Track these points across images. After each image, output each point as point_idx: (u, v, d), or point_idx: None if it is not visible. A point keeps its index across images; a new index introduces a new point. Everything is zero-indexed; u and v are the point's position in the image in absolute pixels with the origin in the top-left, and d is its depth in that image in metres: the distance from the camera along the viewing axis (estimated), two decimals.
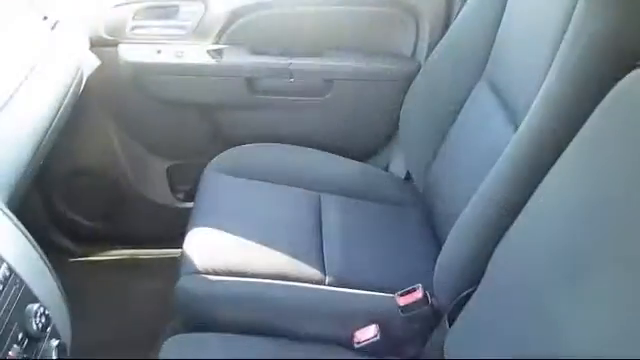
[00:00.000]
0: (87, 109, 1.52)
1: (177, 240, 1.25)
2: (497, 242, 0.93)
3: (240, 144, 1.52)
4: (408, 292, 1.09)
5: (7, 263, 0.83)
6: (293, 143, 1.54)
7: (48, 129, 1.22)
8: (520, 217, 0.89)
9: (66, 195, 1.69)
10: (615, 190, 0.70)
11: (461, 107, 1.31)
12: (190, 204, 1.41)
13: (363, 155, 1.62)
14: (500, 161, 0.98)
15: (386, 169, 1.63)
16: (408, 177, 1.55)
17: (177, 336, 1.05)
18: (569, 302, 0.71)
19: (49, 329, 0.86)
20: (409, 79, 1.48)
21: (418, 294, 1.08)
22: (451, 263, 1.03)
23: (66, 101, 1.32)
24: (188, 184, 1.68)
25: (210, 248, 1.19)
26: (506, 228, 0.92)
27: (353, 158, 1.54)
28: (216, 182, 1.40)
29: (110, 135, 1.62)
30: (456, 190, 1.19)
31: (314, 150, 1.53)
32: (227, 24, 1.50)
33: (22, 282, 0.85)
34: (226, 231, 1.23)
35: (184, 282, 1.13)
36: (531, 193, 0.88)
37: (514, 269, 0.88)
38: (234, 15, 1.49)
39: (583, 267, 0.70)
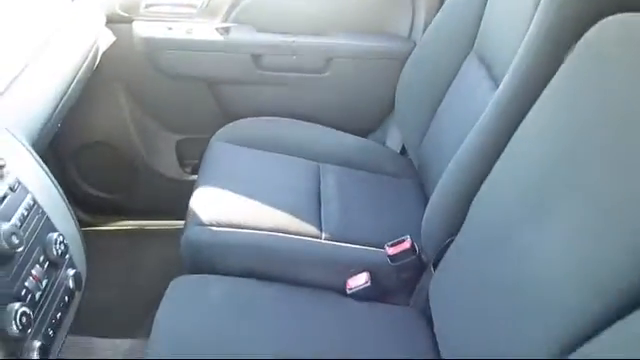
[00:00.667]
0: (102, 83, 1.62)
1: (184, 212, 1.30)
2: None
3: (245, 118, 1.61)
4: (397, 243, 1.18)
5: (31, 194, 0.92)
6: (295, 118, 1.63)
7: (64, 95, 1.30)
8: (494, 167, 0.97)
9: (79, 167, 1.78)
10: (579, 133, 0.78)
11: (452, 81, 1.39)
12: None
13: (361, 131, 1.70)
14: (481, 119, 1.06)
15: (383, 144, 1.71)
16: (404, 151, 1.64)
17: (182, 277, 1.13)
18: (534, 235, 0.79)
19: (67, 257, 0.95)
20: (406, 58, 1.57)
21: (406, 244, 1.17)
22: (436, 214, 1.11)
23: (81, 71, 1.41)
24: (195, 158, 1.76)
25: (215, 204, 1.27)
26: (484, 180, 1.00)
27: (352, 134, 1.63)
28: (221, 150, 1.48)
29: (123, 109, 1.71)
30: (445, 158, 1.26)
31: (315, 124, 1.62)
32: (234, 4, 1.60)
33: (44, 213, 0.94)
34: (230, 191, 1.31)
35: (190, 233, 1.21)
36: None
37: (488, 213, 0.96)
38: None
39: (548, 204, 0.78)
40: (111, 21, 1.57)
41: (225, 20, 1.61)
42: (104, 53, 1.57)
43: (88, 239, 1.15)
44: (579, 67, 0.84)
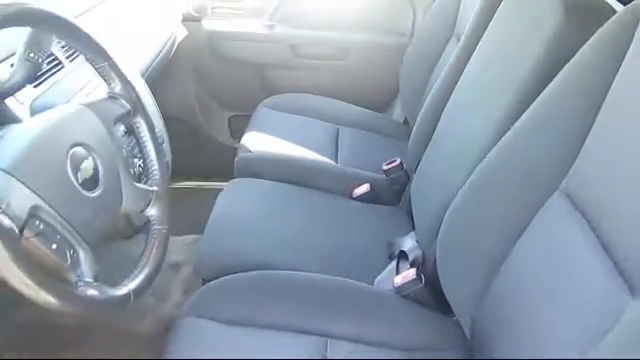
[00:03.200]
0: (176, 68, 2.13)
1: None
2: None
3: None
4: (391, 162, 1.63)
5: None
6: (322, 95, 2.10)
7: (146, 70, 1.76)
8: (451, 96, 1.41)
9: None
10: (485, 63, 1.24)
11: (438, 60, 1.84)
12: None
13: (372, 107, 2.15)
14: (446, 66, 1.51)
15: None
16: (406, 122, 2.08)
17: (234, 180, 1.59)
18: (467, 119, 1.24)
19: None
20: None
21: (396, 162, 1.62)
22: (416, 139, 1.55)
23: (160, 56, 1.90)
24: (242, 132, 2.24)
25: (259, 141, 1.75)
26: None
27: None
28: (265, 113, 1.96)
29: (190, 89, 2.22)
30: None
31: (337, 100, 2.08)
32: (278, 7, 2.13)
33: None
34: (270, 135, 1.79)
35: (241, 156, 1.68)
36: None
37: (446, 124, 1.40)
38: (282, 0, 2.12)
39: (473, 101, 1.24)
40: (186, 20, 2.10)
41: (270, 19, 2.14)
42: (179, 44, 2.09)
43: None
44: (495, 28, 1.31)
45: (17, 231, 0.68)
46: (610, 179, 0.81)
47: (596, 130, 0.86)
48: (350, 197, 1.60)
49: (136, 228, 1.21)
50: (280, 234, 1.37)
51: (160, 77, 1.95)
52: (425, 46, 1.92)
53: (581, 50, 0.90)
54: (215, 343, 1.07)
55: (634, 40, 0.80)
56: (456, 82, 1.41)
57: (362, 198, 1.59)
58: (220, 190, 2.18)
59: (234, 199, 1.51)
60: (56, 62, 1.24)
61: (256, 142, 1.75)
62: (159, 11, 1.97)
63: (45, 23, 0.84)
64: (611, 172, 0.81)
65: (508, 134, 1.02)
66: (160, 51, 1.90)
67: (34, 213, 0.72)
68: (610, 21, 0.86)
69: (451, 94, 1.42)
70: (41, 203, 0.73)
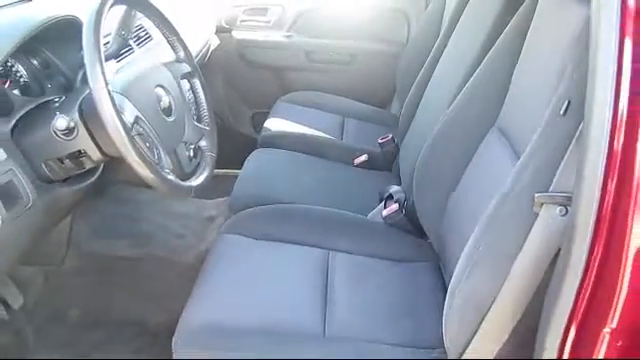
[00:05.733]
0: (208, 71, 2.53)
1: None
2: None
3: None
4: (384, 137, 2.01)
5: None
6: (332, 94, 2.50)
7: None
8: (432, 75, 1.80)
9: None
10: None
11: (424, 62, 2.24)
12: None
13: (373, 104, 2.55)
14: (431, 52, 1.90)
15: None
16: None
17: (257, 150, 1.98)
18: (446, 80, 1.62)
19: None
20: None
21: (389, 137, 2.00)
22: (404, 117, 1.93)
23: (197, 59, 2.32)
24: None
25: (279, 125, 2.14)
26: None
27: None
28: (282, 106, 2.36)
29: (219, 89, 2.63)
30: None
31: (343, 98, 2.49)
32: (295, 20, 2.57)
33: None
34: (287, 120, 2.18)
35: (264, 134, 2.08)
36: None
37: (423, 104, 1.78)
38: (299, 15, 2.56)
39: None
40: (218, 30, 2.53)
41: (289, 30, 2.57)
42: (212, 51, 2.51)
43: None
44: (462, 23, 1.70)
45: (130, 126, 1.07)
46: (521, 109, 1.18)
47: (513, 80, 1.24)
48: (352, 165, 1.98)
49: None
50: (296, 182, 1.76)
51: None
52: (416, 51, 2.31)
53: (509, 24, 1.29)
54: (246, 251, 1.44)
55: (536, 11, 1.18)
56: (434, 69, 1.81)
57: (361, 166, 1.97)
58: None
59: (259, 161, 1.90)
60: (129, 47, 1.65)
61: (276, 125, 2.14)
62: (198, 24, 2.39)
63: (140, 5, 1.25)
64: (521, 105, 1.19)
65: (460, 93, 1.39)
66: (197, 56, 2.31)
67: (136, 121, 1.11)
68: None
69: (429, 81, 1.81)
70: (140, 115, 1.12)
